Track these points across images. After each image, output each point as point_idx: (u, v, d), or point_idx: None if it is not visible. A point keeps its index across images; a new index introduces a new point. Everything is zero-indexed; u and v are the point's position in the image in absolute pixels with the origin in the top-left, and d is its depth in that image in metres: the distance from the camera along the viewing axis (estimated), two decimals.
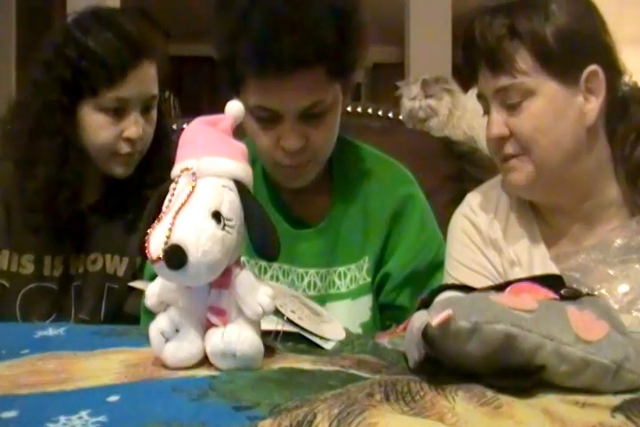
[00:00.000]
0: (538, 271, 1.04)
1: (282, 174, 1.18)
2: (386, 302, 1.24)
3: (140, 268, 1.34)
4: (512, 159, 1.07)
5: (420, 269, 1.23)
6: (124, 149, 1.29)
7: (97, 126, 1.28)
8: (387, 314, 1.24)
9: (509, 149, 1.06)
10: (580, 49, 1.04)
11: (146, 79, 1.30)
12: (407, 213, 1.24)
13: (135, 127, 1.28)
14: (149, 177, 1.31)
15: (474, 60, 1.07)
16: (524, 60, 1.02)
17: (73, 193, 1.29)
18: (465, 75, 1.12)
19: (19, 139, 1.31)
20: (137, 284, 1.18)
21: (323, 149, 1.16)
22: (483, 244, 1.15)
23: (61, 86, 1.26)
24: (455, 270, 1.17)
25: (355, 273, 1.22)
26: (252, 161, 1.25)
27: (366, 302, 1.22)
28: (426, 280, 1.22)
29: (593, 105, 1.04)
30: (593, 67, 1.03)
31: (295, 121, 1.10)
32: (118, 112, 1.28)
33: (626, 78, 1.10)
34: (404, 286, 1.23)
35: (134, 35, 1.27)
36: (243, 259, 1.09)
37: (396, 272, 1.22)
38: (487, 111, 1.09)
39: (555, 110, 1.04)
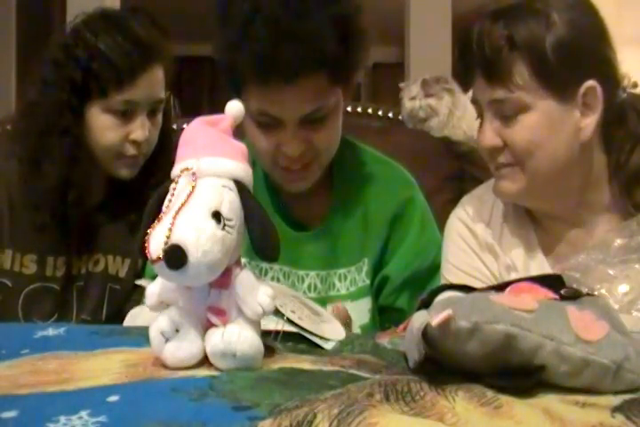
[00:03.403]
0: None
1: (282, 177, 1.18)
2: (385, 304, 1.24)
3: (142, 269, 1.34)
4: (504, 168, 1.06)
5: (419, 272, 1.23)
6: (130, 151, 1.30)
7: (104, 127, 1.28)
8: (386, 316, 1.24)
9: (502, 158, 1.06)
10: (578, 63, 1.02)
11: (154, 83, 1.30)
12: (407, 215, 1.24)
13: (142, 130, 1.29)
14: (153, 179, 1.31)
15: (470, 66, 1.06)
16: (521, 74, 1.00)
17: (81, 193, 1.29)
18: (461, 79, 1.11)
19: (27, 137, 1.31)
20: (142, 282, 1.18)
21: (325, 151, 1.16)
22: (479, 248, 1.15)
23: (70, 86, 1.27)
24: (451, 274, 1.16)
25: (354, 275, 1.22)
26: (252, 163, 1.25)
27: (366, 304, 1.22)
28: (425, 283, 1.22)
29: (589, 120, 1.03)
30: (591, 82, 1.01)
31: (297, 127, 1.09)
32: (126, 114, 1.28)
33: (624, 82, 1.09)
34: (403, 289, 1.23)
35: (144, 38, 1.28)
36: (243, 260, 1.09)
37: (396, 275, 1.22)
38: (480, 116, 1.08)
39: (550, 125, 1.02)
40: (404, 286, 1.22)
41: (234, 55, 1.07)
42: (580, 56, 1.02)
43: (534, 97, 1.01)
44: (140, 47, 1.27)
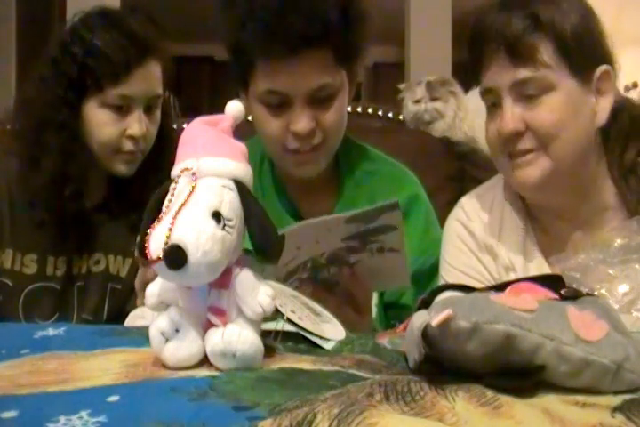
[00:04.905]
0: None
1: (291, 161, 1.19)
2: (390, 301, 1.25)
3: None
4: (527, 154, 1.04)
5: (424, 269, 1.24)
6: (127, 146, 1.30)
7: (101, 123, 1.29)
8: (391, 313, 1.25)
9: (524, 144, 1.04)
10: (593, 48, 1.04)
11: (150, 78, 1.31)
12: (412, 213, 1.25)
13: (138, 125, 1.29)
14: (153, 178, 1.32)
15: (485, 52, 1.04)
16: (546, 52, 1.01)
17: (78, 188, 1.30)
18: (470, 69, 1.09)
19: (24, 134, 1.32)
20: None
21: (332, 132, 1.17)
22: (477, 249, 1.15)
23: (67, 82, 1.27)
24: (450, 275, 1.16)
25: None
26: (261, 159, 1.27)
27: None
28: (430, 280, 1.23)
29: (604, 105, 1.04)
30: (605, 67, 1.03)
31: (304, 104, 1.12)
32: (122, 110, 1.29)
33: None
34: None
35: (140, 34, 1.29)
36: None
37: None
38: (495, 105, 1.06)
39: (573, 107, 1.02)
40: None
41: (240, 34, 1.11)
42: (593, 42, 1.04)
43: (558, 76, 1.01)
44: (135, 42, 1.28)
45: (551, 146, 1.02)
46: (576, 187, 1.08)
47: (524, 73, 1.01)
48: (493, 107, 1.07)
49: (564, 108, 1.02)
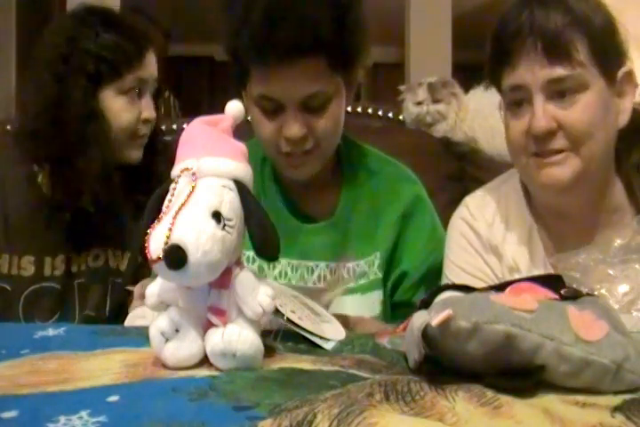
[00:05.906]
0: None
1: (285, 163, 1.20)
2: (402, 300, 1.25)
3: (142, 264, 1.34)
4: (557, 154, 1.01)
5: (434, 268, 1.25)
6: (142, 130, 1.36)
7: (120, 110, 1.32)
8: (402, 312, 1.25)
9: (555, 143, 1.01)
10: (618, 48, 1.03)
11: (153, 63, 1.37)
12: (418, 213, 1.26)
13: (150, 108, 1.35)
14: (150, 172, 1.34)
15: (516, 48, 1.01)
16: (583, 51, 0.99)
17: (81, 187, 1.31)
18: (491, 66, 1.06)
19: (33, 134, 1.32)
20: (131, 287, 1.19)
21: (325, 138, 1.18)
22: (482, 248, 1.15)
23: (85, 76, 1.30)
24: (454, 274, 1.16)
25: (364, 268, 1.23)
26: (262, 159, 1.27)
27: (376, 296, 1.24)
28: (439, 278, 1.23)
29: (626, 106, 1.03)
30: (627, 68, 1.03)
31: (297, 110, 1.13)
32: (136, 94, 1.33)
33: None
34: (420, 285, 1.25)
35: (134, 26, 1.35)
36: (249, 254, 1.10)
37: (413, 271, 1.24)
38: (520, 104, 1.04)
39: (603, 107, 1.01)
40: (421, 282, 1.24)
41: (236, 40, 1.12)
42: (618, 43, 1.04)
43: (591, 75, 1.00)
44: (135, 36, 1.33)
45: (583, 146, 1.01)
46: (595, 188, 1.07)
47: (560, 71, 0.99)
48: (516, 105, 1.04)
49: (596, 108, 1.01)
